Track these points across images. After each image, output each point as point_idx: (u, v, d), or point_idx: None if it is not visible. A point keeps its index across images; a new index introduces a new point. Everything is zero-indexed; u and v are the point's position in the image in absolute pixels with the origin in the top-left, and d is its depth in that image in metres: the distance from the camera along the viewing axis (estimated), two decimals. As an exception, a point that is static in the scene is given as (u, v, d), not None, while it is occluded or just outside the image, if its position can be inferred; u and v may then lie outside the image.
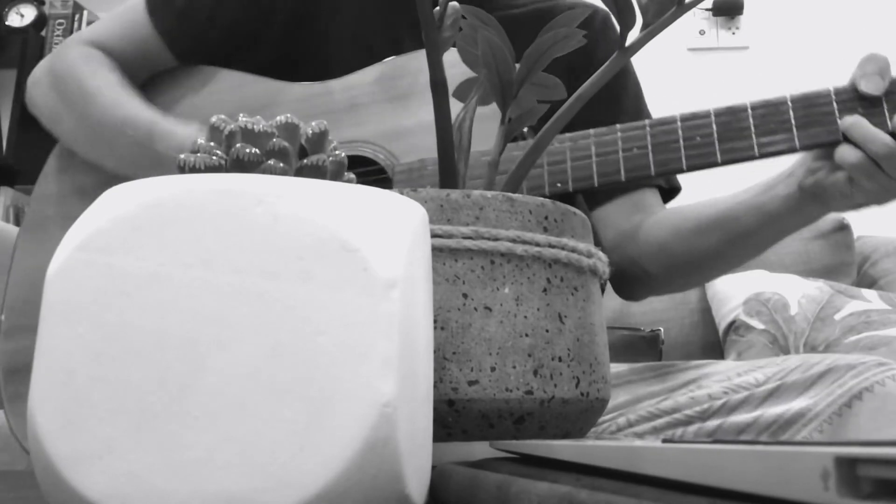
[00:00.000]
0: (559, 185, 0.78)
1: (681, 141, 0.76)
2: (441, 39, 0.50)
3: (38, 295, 0.30)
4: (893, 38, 2.20)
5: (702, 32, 2.32)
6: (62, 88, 0.95)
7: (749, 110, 0.75)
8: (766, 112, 0.75)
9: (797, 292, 1.48)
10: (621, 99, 0.98)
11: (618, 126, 0.79)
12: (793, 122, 0.74)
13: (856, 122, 0.71)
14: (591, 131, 0.79)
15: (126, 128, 0.88)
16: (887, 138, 0.69)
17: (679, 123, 0.77)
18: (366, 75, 0.89)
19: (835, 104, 0.73)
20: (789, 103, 0.74)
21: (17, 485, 0.49)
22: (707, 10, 2.31)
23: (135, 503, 0.27)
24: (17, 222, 2.51)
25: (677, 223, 0.89)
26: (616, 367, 0.86)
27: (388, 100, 0.87)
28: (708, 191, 0.91)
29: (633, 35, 0.49)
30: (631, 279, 0.94)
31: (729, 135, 0.75)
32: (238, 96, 0.94)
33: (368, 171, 0.85)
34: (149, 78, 0.98)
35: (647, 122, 0.78)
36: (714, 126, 0.76)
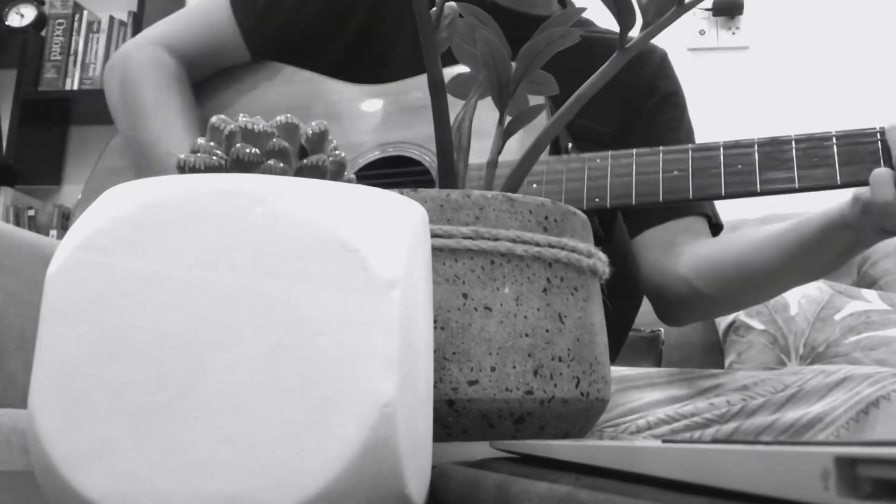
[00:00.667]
0: (597, 199, 0.79)
1: (722, 167, 0.76)
2: (438, 39, 0.50)
3: None
4: (893, 38, 2.20)
5: (702, 32, 2.32)
6: (125, 92, 0.99)
7: (793, 143, 0.75)
8: (809, 146, 0.75)
9: (797, 292, 1.48)
10: (679, 131, 1.01)
11: (660, 148, 0.79)
12: (836, 157, 0.73)
13: None
14: (634, 150, 0.79)
15: (160, 155, 0.93)
16: None
17: (721, 150, 0.77)
18: (420, 81, 0.92)
19: (879, 143, 0.73)
20: (834, 139, 0.74)
21: (17, 485, 0.49)
22: (707, 10, 2.32)
23: (135, 503, 0.27)
24: (17, 222, 2.51)
25: (729, 240, 0.91)
26: (636, 370, 0.86)
27: None
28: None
29: (634, 35, 0.49)
30: (676, 300, 0.94)
31: (770, 164, 0.75)
32: (297, 93, 0.98)
33: (414, 172, 0.87)
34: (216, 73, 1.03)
35: (689, 146, 0.79)
36: (756, 155, 0.76)
